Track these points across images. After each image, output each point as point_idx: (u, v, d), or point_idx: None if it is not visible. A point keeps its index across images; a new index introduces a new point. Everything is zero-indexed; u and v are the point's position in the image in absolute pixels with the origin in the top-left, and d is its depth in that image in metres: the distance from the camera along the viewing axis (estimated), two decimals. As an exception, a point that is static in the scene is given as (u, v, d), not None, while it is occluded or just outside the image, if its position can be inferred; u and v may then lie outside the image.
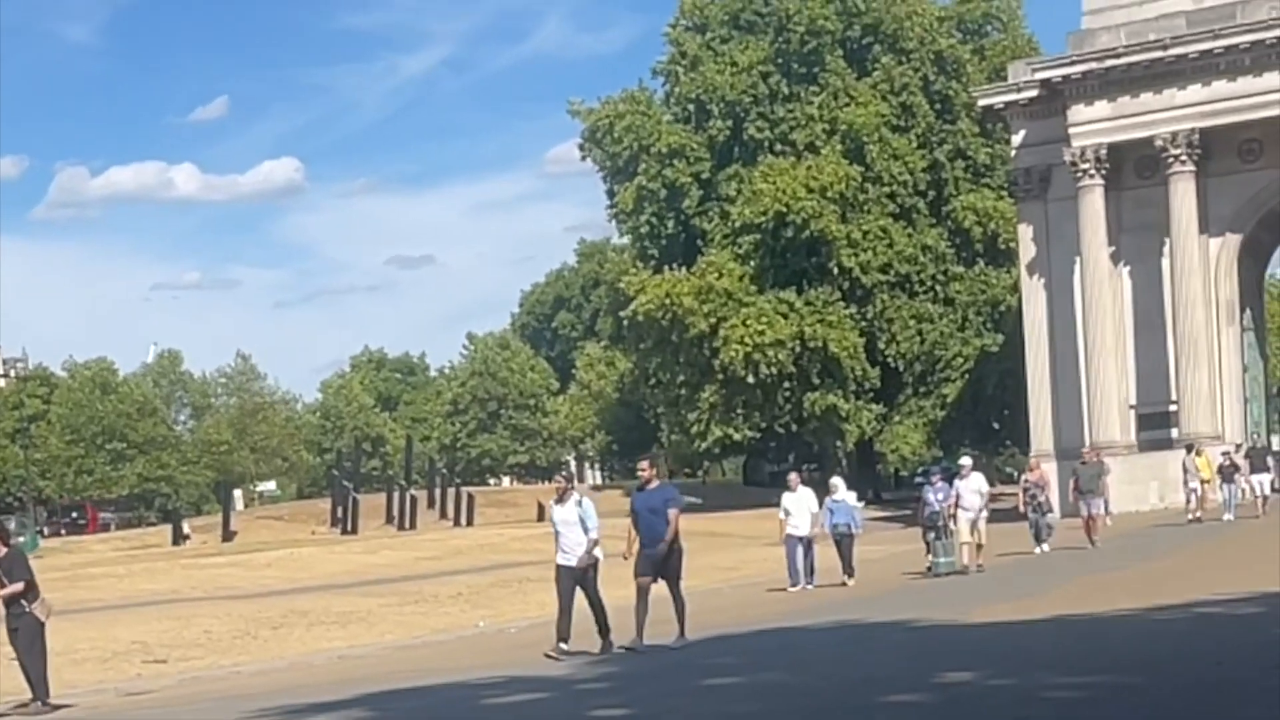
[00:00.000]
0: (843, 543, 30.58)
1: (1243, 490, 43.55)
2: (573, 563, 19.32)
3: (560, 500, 19.76)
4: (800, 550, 29.80)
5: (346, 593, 34.10)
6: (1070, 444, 54.52)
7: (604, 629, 19.34)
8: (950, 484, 31.13)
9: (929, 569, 30.25)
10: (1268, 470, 45.98)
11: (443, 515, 71.31)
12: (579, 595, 19.36)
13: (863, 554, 38.61)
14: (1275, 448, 58.40)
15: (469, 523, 67.15)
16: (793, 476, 31.56)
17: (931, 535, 30.55)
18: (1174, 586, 22.06)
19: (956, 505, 30.56)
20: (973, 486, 31.33)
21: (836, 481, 32.06)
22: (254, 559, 47.45)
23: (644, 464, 20.25)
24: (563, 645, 18.96)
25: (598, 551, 19.54)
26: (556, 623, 19.23)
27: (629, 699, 14.16)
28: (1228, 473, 43.33)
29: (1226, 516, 41.57)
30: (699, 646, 18.80)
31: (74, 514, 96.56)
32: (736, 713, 12.59)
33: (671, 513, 19.20)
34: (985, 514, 31.39)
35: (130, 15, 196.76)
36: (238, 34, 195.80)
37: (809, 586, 29.49)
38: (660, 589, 19.18)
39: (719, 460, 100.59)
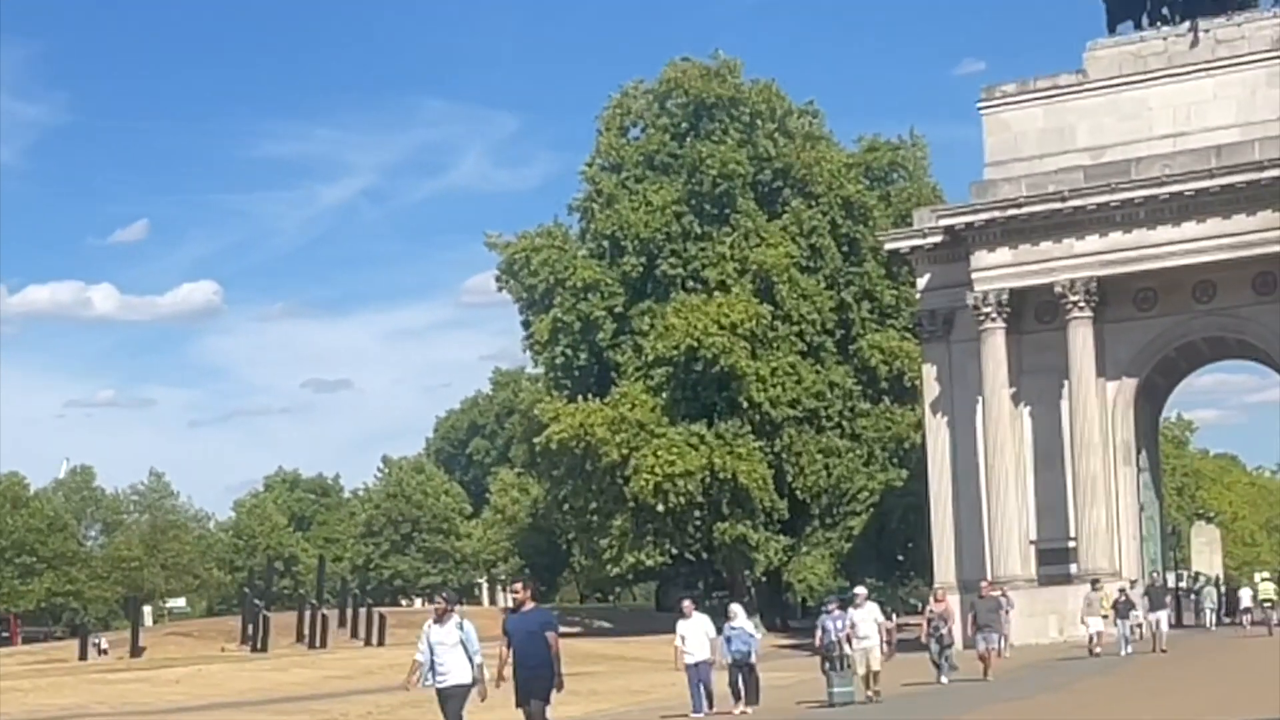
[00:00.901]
0: (743, 670, 30.27)
1: (1137, 627, 44.85)
2: (450, 683, 19.21)
3: (439, 621, 19.48)
4: (698, 678, 29.55)
5: (256, 711, 34.35)
6: (972, 576, 55.52)
7: None
8: (846, 612, 31.22)
9: (828, 699, 29.94)
10: (1165, 607, 47.41)
11: (354, 634, 71.45)
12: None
13: (764, 681, 39.57)
14: (1170, 585, 60.09)
15: (380, 643, 67.37)
16: (686, 604, 31.25)
17: (828, 665, 30.41)
18: (1078, 717, 23.00)
19: (851, 635, 30.68)
20: (868, 615, 31.55)
21: (735, 609, 31.68)
22: (162, 675, 47.40)
23: (518, 586, 20.30)
24: None
25: (486, 675, 19.51)
26: None
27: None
28: (1123, 609, 44.47)
29: (1123, 652, 42.64)
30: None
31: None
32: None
33: (551, 637, 19.49)
34: (881, 643, 31.55)
35: (54, 138, 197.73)
36: (159, 159, 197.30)
37: (705, 713, 29.26)
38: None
39: (630, 586, 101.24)
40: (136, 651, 69.18)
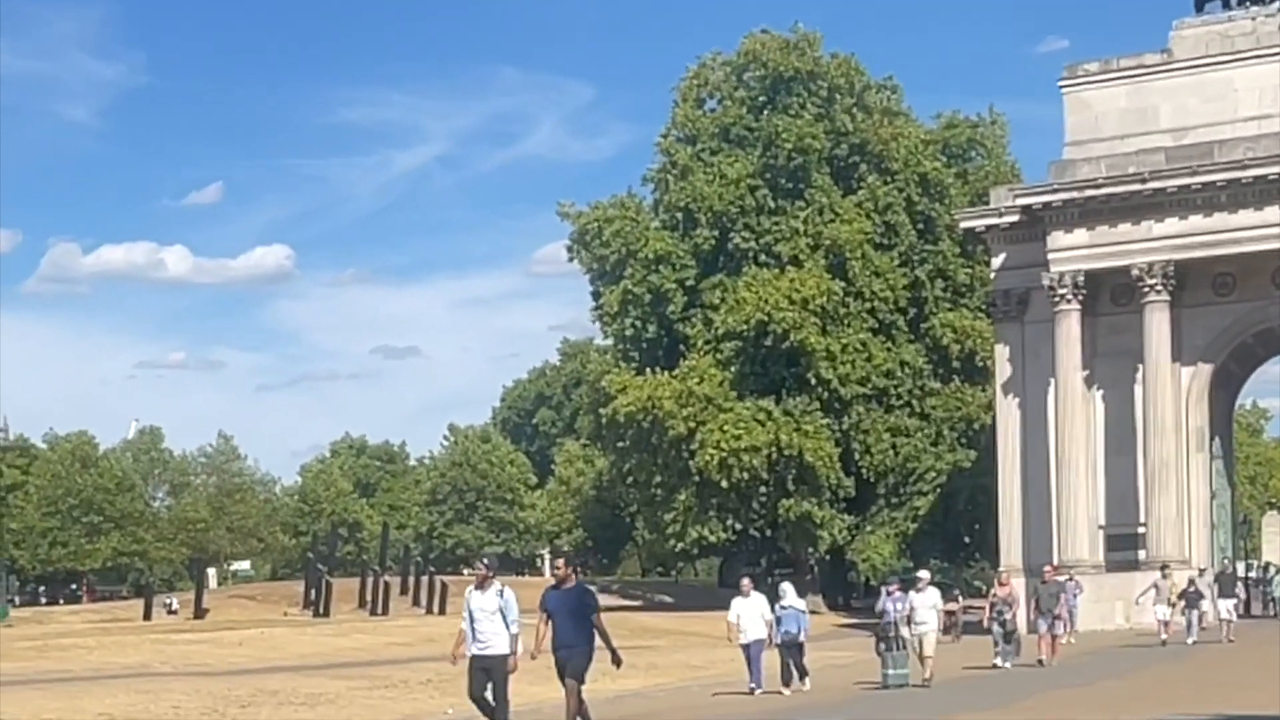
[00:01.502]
0: (793, 649, 30.31)
1: (1203, 615, 44.19)
2: (489, 652, 18.89)
3: (480, 588, 19.22)
4: (754, 654, 29.71)
5: (316, 674, 34.38)
6: (1039, 560, 54.79)
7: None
8: (907, 594, 30.91)
9: (882, 681, 29.78)
10: (1235, 596, 46.74)
11: (415, 602, 71.63)
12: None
13: (820, 660, 39.10)
14: (1240, 574, 59.32)
15: (441, 611, 67.45)
16: (745, 582, 31.31)
17: (883, 646, 30.11)
18: (1136, 705, 22.58)
19: (910, 619, 30.35)
20: (928, 601, 31.16)
21: (786, 587, 31.61)
22: (225, 636, 47.63)
23: (559, 562, 19.96)
24: None
25: (519, 646, 19.15)
26: (482, 712, 19.15)
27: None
28: (1192, 598, 43.89)
29: (1190, 640, 41.99)
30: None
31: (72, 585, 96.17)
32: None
33: (596, 618, 19.06)
34: (939, 627, 31.47)
35: (131, 100, 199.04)
36: (235, 122, 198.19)
37: (760, 691, 29.33)
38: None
39: (693, 561, 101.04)
40: (200, 613, 69.70)
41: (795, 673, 30.24)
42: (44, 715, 24.87)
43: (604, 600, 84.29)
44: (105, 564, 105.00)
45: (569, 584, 19.19)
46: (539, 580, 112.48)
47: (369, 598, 70.54)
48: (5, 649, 43.80)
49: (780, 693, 29.40)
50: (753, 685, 29.60)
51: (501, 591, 18.97)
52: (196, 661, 38.97)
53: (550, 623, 19.16)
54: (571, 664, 18.93)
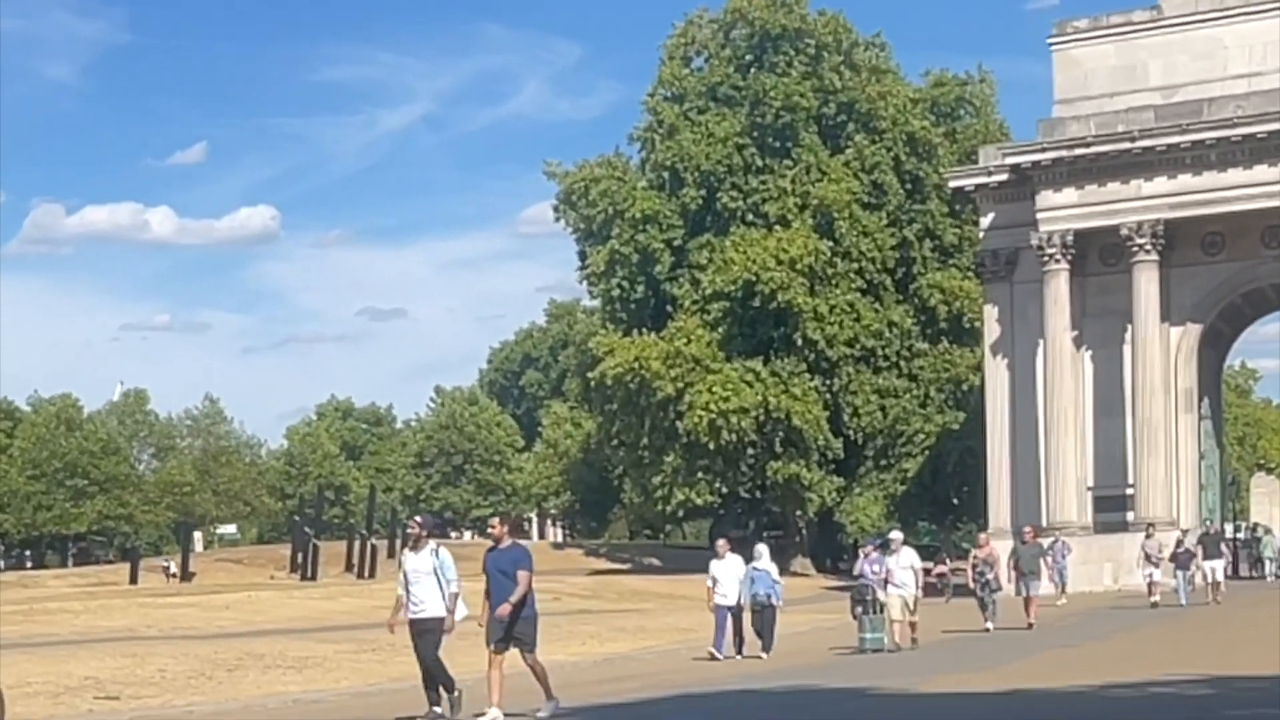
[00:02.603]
0: (764, 614, 29.23)
1: (1193, 575, 43.99)
2: (423, 615, 18.08)
3: (414, 548, 18.49)
4: (729, 619, 28.94)
5: (304, 638, 34.20)
6: (1027, 522, 54.70)
7: (448, 684, 18.29)
8: (882, 556, 30.07)
9: (859, 645, 29.03)
10: (1221, 556, 46.56)
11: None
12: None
13: (802, 623, 38.98)
14: (1228, 535, 59.22)
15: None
16: (721, 543, 30.50)
17: (859, 610, 29.36)
18: (1125, 667, 22.41)
19: (886, 581, 29.57)
20: (904, 563, 30.23)
21: (761, 549, 30.44)
22: (211, 600, 47.49)
23: (494, 520, 18.95)
24: (436, 709, 18.16)
25: (461, 607, 18.31)
26: (429, 682, 18.37)
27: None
28: (1183, 559, 43.59)
29: (1182, 602, 41.64)
30: (656, 705, 18.99)
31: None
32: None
33: (521, 574, 17.88)
34: (919, 591, 30.57)
35: (113, 58, 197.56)
36: (219, 81, 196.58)
37: (738, 656, 28.50)
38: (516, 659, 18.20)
39: (681, 523, 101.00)
40: (186, 577, 69.54)
41: (760, 639, 29.11)
42: (30, 679, 24.64)
43: (592, 564, 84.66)
44: (90, 527, 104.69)
45: (505, 544, 18.23)
46: (526, 543, 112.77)
47: (356, 561, 70.45)
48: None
49: (758, 657, 28.54)
50: (717, 651, 28.62)
51: (436, 551, 18.24)
52: (183, 625, 38.82)
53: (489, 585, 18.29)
54: (519, 634, 18.00)
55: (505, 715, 17.81)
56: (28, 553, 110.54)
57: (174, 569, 71.93)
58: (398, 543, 75.55)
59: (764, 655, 28.64)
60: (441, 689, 18.18)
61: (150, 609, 44.14)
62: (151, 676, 25.94)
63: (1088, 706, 17.63)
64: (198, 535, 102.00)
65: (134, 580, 68.49)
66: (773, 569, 29.97)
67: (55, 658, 28.20)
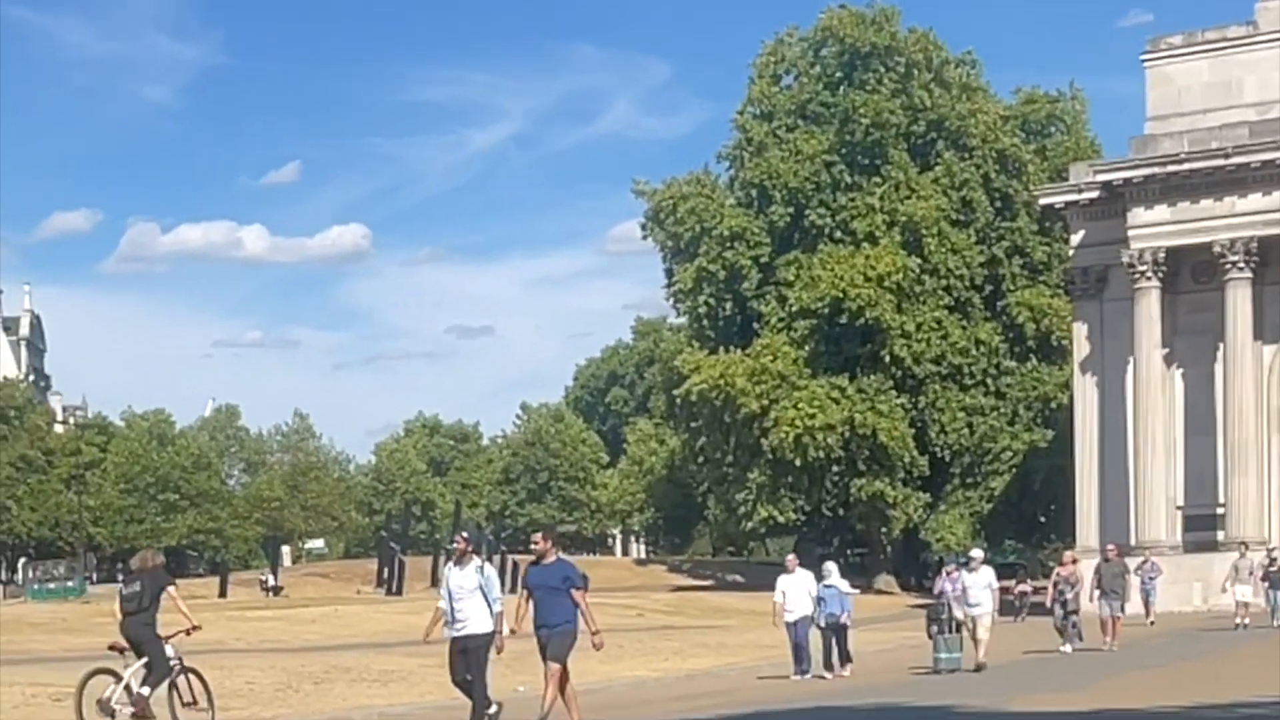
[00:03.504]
0: (838, 632, 28.90)
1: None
2: (467, 632, 17.90)
3: (459, 563, 18.22)
4: (806, 636, 28.54)
5: (389, 652, 34.38)
6: (1116, 541, 54.15)
7: (480, 710, 18.01)
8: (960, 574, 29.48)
9: (933, 665, 28.37)
10: (1313, 577, 45.65)
11: (487, 582, 71.70)
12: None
13: (881, 641, 38.65)
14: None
15: (513, 589, 67.34)
16: (790, 558, 30.21)
17: (934, 629, 28.62)
18: (1214, 688, 22.00)
19: (964, 599, 28.86)
20: (981, 581, 29.31)
21: (829, 566, 30.06)
22: (299, 614, 47.86)
23: (538, 536, 18.58)
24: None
25: (504, 626, 18.06)
26: (468, 695, 18.16)
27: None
28: (1276, 579, 42.68)
29: (1275, 623, 40.52)
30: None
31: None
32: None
33: (577, 595, 17.77)
34: (995, 611, 29.67)
35: (209, 79, 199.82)
36: (311, 101, 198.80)
37: (806, 675, 28.18)
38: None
39: (764, 540, 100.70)
40: (275, 590, 70.05)
41: (838, 656, 28.91)
42: (119, 690, 24.87)
43: (675, 580, 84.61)
44: (181, 541, 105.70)
45: (549, 559, 17.98)
46: (610, 559, 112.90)
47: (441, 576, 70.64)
48: (82, 624, 44.11)
49: (823, 677, 28.24)
50: (798, 673, 28.38)
51: (482, 568, 18.09)
52: (271, 638, 39.12)
53: (531, 600, 18.05)
54: (552, 645, 17.73)
55: None
56: (119, 566, 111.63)
57: (272, 582, 72.41)
58: (482, 558, 75.98)
59: (845, 673, 28.44)
60: (475, 708, 17.96)
61: (238, 622, 44.52)
62: (239, 689, 26.10)
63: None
64: (286, 550, 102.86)
65: (223, 594, 69.06)
66: (843, 585, 29.65)
67: (144, 669, 28.41)
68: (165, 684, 18.49)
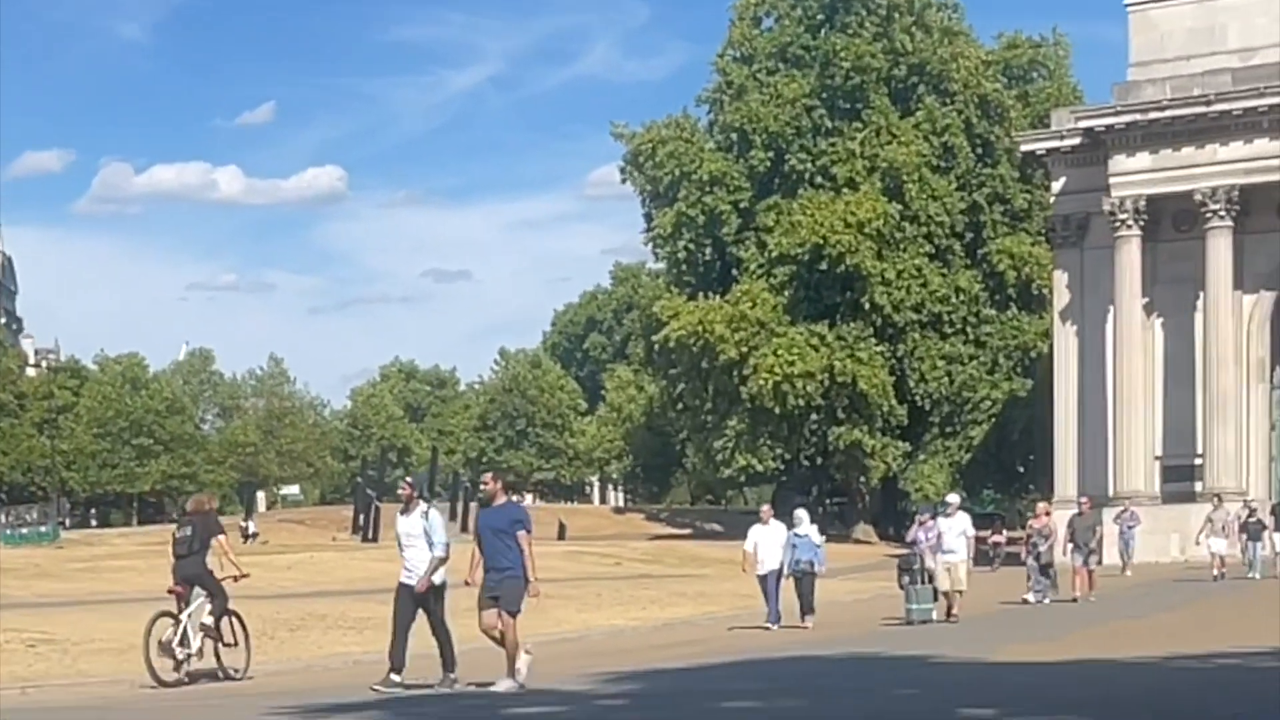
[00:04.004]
0: (803, 581, 28.35)
1: (1268, 546, 42.95)
2: (414, 582, 17.66)
3: (405, 510, 17.95)
4: (771, 585, 28.17)
5: (365, 599, 34.04)
6: (1094, 491, 53.97)
7: (449, 661, 17.82)
8: (935, 522, 28.92)
9: (905, 616, 27.78)
10: (1293, 529, 45.56)
11: (464, 529, 71.27)
12: (421, 620, 17.78)
13: (856, 591, 38.46)
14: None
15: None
16: (765, 508, 29.75)
17: (906, 579, 28.01)
18: (1190, 639, 21.89)
19: (938, 547, 28.36)
20: (957, 528, 28.72)
21: (801, 514, 29.33)
22: (274, 560, 47.61)
23: (487, 477, 18.00)
24: (394, 676, 17.40)
25: (442, 572, 17.71)
26: (389, 650, 17.77)
27: (650, 717, 14.20)
28: (1254, 530, 42.48)
29: (1252, 575, 40.46)
30: (718, 670, 18.65)
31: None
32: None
33: (521, 536, 17.10)
34: (970, 560, 29.21)
35: (182, 17, 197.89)
36: (287, 40, 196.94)
37: (779, 625, 27.83)
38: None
39: (742, 489, 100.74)
40: (249, 537, 69.65)
41: (800, 606, 28.40)
42: (96, 635, 24.86)
43: (653, 528, 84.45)
44: (155, 486, 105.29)
45: (499, 500, 17.37)
46: (588, 507, 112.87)
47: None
48: (57, 570, 43.96)
49: (802, 626, 27.80)
50: (770, 623, 27.92)
51: (427, 513, 17.73)
52: (246, 585, 38.64)
53: (480, 544, 17.43)
54: (504, 594, 17.01)
55: (471, 684, 17.34)
56: (93, 511, 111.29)
57: (252, 529, 71.95)
58: (459, 505, 75.59)
59: (807, 624, 27.93)
60: (443, 657, 17.79)
61: (213, 568, 44.12)
62: (214, 635, 25.87)
63: (1153, 676, 17.17)
64: (261, 496, 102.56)
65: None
66: (814, 532, 29.20)
67: (120, 614, 28.26)
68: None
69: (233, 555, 19.99)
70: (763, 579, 28.28)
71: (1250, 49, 54.70)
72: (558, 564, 48.40)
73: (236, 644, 19.78)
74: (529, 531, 17.29)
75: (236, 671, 19.64)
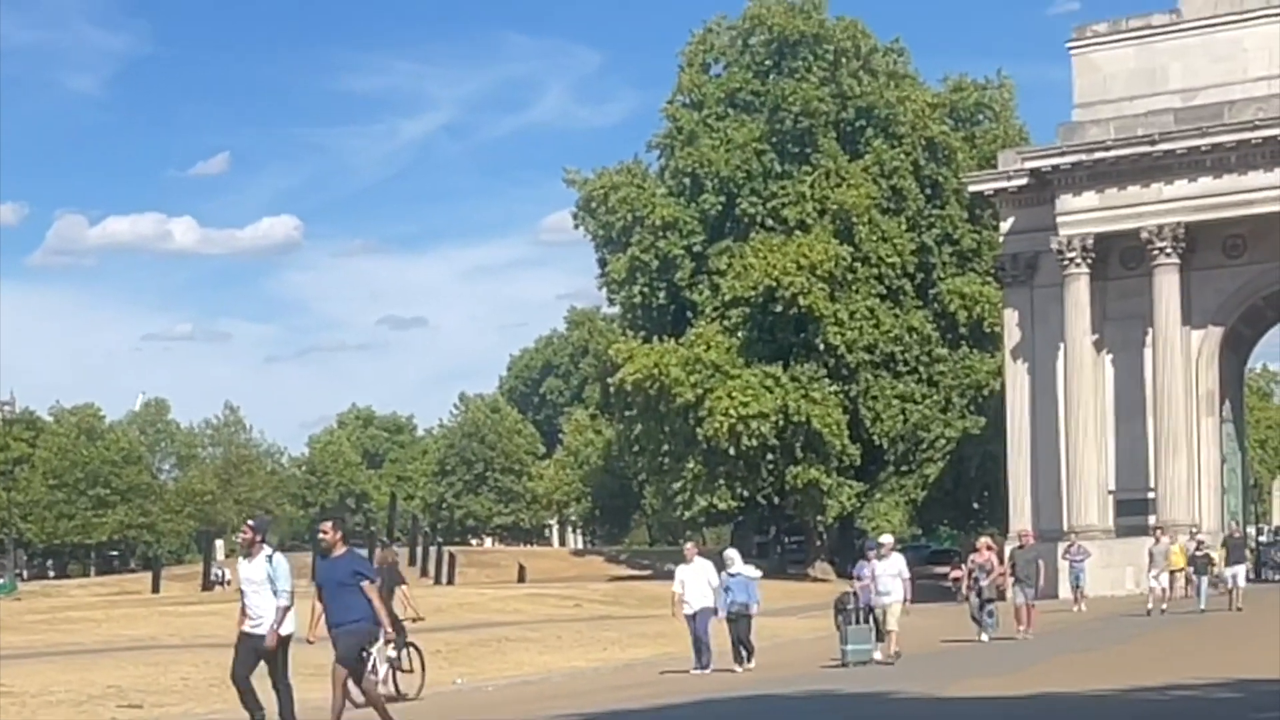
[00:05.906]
0: (739, 623, 27.08)
1: (1214, 581, 43.37)
2: (260, 630, 16.73)
3: (248, 555, 16.97)
4: (699, 626, 26.99)
5: (324, 646, 34.20)
6: (1049, 526, 55.17)
7: (288, 718, 17.03)
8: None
9: (841, 658, 27.02)
10: (1243, 561, 46.03)
11: (424, 573, 71.55)
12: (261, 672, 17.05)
13: (800, 630, 38.57)
14: (1250, 540, 58.95)
15: (450, 581, 67.50)
16: (689, 547, 28.40)
17: (840, 619, 27.17)
18: (1146, 672, 22.05)
19: (875, 588, 27.77)
20: (892, 569, 28.09)
21: (732, 554, 28.16)
22: (233, 608, 47.42)
23: (326, 525, 17.07)
24: None
25: (290, 622, 16.84)
26: (242, 705, 17.11)
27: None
28: (1200, 563, 42.97)
29: (1200, 607, 40.83)
30: (677, 710, 18.79)
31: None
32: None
33: (366, 586, 16.66)
34: (906, 598, 28.11)
35: (136, 69, 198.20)
36: (240, 91, 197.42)
37: (708, 670, 26.60)
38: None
39: (701, 529, 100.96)
40: (208, 585, 69.56)
41: (740, 649, 27.22)
42: (54, 687, 24.81)
43: (612, 570, 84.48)
44: (112, 536, 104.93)
45: (338, 551, 16.75)
46: (547, 550, 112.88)
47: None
48: (14, 622, 43.83)
49: (733, 670, 26.65)
50: (698, 667, 26.76)
51: (270, 558, 16.77)
52: (205, 633, 38.83)
53: (321, 599, 16.82)
54: (340, 645, 16.50)
55: None
56: (50, 562, 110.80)
57: (226, 575, 71.54)
58: (419, 550, 75.70)
59: (747, 667, 26.90)
60: (281, 711, 17.03)
61: (173, 617, 44.26)
62: (174, 685, 26.05)
63: (1113, 710, 17.50)
64: (220, 543, 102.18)
65: (156, 589, 68.59)
66: (749, 571, 28.08)
67: (78, 666, 28.34)
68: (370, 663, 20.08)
69: (413, 601, 24.36)
70: (690, 618, 27.07)
71: (1192, 89, 55.60)
72: (518, 606, 48.59)
73: (412, 670, 23.95)
74: (372, 581, 16.85)
75: (409, 694, 23.20)
